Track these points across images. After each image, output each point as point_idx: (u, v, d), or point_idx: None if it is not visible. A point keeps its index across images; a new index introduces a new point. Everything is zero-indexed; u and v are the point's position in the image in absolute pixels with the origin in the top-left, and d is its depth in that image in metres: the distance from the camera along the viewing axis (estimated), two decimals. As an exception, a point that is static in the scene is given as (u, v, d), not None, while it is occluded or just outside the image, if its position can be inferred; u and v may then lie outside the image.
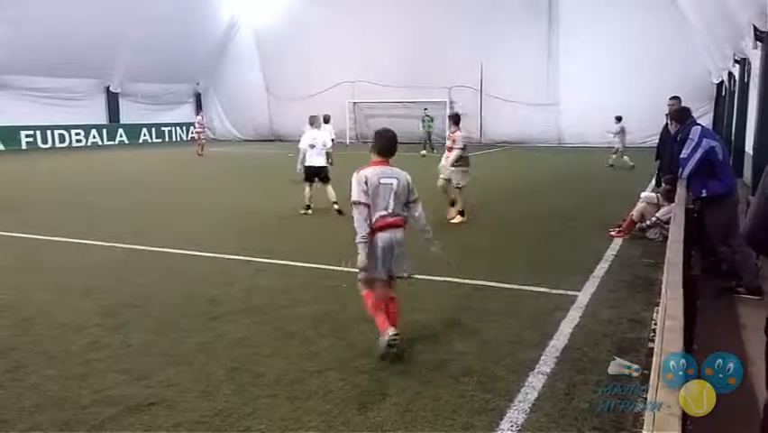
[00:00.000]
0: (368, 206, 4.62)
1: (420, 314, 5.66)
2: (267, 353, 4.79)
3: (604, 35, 26.32)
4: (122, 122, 33.49)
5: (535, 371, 4.38)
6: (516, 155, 25.32)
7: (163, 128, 35.35)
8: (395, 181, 4.73)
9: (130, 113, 33.58)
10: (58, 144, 29.98)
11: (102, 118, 32.89)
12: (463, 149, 10.20)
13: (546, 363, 4.52)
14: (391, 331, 4.58)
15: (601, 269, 7.26)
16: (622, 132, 18.99)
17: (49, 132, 29.60)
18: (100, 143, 31.93)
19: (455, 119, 10.64)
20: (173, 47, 31.49)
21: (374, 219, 4.65)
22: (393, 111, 32.25)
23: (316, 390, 4.14)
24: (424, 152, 25.32)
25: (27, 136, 28.16)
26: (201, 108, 35.39)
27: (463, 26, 29.33)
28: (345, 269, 7.19)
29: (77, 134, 30.98)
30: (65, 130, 30.45)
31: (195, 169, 20.93)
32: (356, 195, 4.63)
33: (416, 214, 4.90)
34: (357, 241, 4.61)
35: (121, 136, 33.22)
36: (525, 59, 28.77)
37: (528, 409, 3.83)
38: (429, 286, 6.63)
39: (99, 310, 5.85)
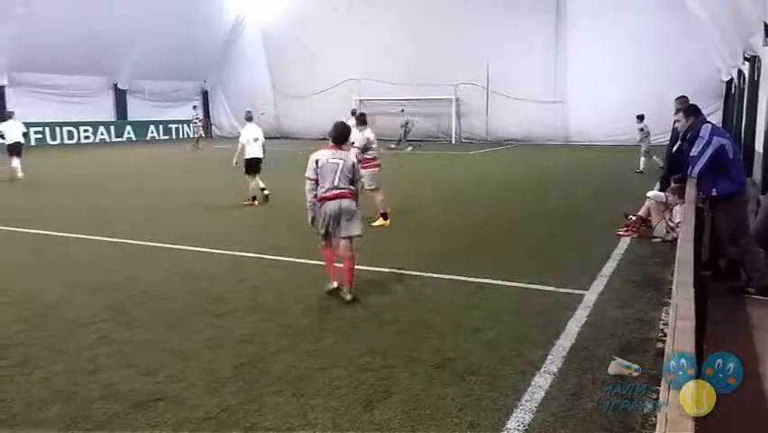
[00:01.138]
0: (315, 181, 6.01)
1: (426, 312, 5.65)
2: (273, 350, 4.79)
3: (612, 32, 26.14)
4: (129, 119, 33.58)
5: (542, 370, 4.37)
6: (522, 153, 25.24)
7: (170, 125, 35.43)
8: (341, 162, 6.03)
9: (137, 110, 33.67)
10: (66, 141, 30.08)
11: (110, 115, 32.98)
12: (363, 150, 9.63)
13: (553, 362, 4.50)
14: (333, 285, 6.20)
15: (609, 268, 7.22)
16: (644, 131, 17.55)
17: (58, 128, 29.71)
18: (108, 140, 32.03)
19: (359, 119, 10.33)
20: (180, 45, 31.56)
21: (322, 191, 5.97)
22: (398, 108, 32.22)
23: (322, 387, 4.14)
24: (393, 145, 27.04)
25: (36, 133, 28.25)
26: (205, 105, 35.37)
27: (469, 22, 29.21)
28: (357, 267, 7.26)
29: (85, 131, 31.09)
30: (74, 127, 30.56)
31: (202, 165, 20.96)
32: (308, 172, 6.06)
33: (356, 188, 6.22)
34: (307, 207, 6.10)
35: (128, 133, 33.30)
36: (533, 56, 28.62)
37: (535, 409, 3.82)
38: (435, 284, 6.63)
39: (107, 306, 5.88)
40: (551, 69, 28.94)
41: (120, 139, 32.75)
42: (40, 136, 28.71)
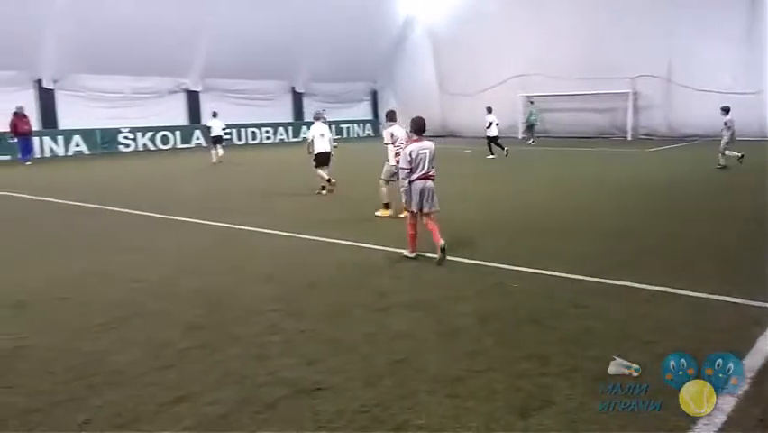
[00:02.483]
0: (411, 169, 7.30)
1: (590, 320, 5.32)
2: (430, 348, 4.79)
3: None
4: (305, 120, 35.74)
5: (724, 391, 3.91)
6: (707, 149, 22.96)
7: (342, 125, 37.12)
8: (428, 151, 7.41)
9: (313, 111, 35.73)
10: (250, 141, 32.74)
11: (288, 116, 35.36)
12: (393, 143, 10.40)
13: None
14: (411, 255, 7.55)
15: (810, 280, 6.32)
16: (727, 125, 16.74)
17: (243, 129, 32.44)
18: (286, 140, 34.33)
19: (388, 116, 11.19)
20: (352, 48, 33.03)
21: (415, 176, 7.29)
22: (569, 104, 30.92)
23: (478, 390, 4.05)
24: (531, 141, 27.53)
25: (225, 134, 31.03)
26: (374, 105, 36.35)
27: (649, 9, 27.17)
28: (513, 267, 7.08)
29: (266, 132, 33.64)
30: (256, 128, 33.20)
31: (373, 161, 21.64)
32: (402, 163, 7.47)
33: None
34: (402, 190, 7.54)
35: (304, 133, 35.38)
36: (722, 44, 25.93)
37: (713, 434, 3.43)
38: (601, 290, 6.24)
39: (277, 295, 6.27)
40: (743, 58, 26.01)
41: (297, 139, 34.95)
42: (228, 137, 31.51)
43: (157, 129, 28.90)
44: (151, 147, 28.66)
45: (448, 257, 7.34)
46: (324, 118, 14.14)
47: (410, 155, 7.33)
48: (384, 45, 36.15)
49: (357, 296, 6.22)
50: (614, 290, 6.20)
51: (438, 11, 35.21)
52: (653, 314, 5.46)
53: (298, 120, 35.57)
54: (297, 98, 35.55)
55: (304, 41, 31.21)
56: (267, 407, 3.89)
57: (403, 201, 7.61)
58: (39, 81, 25.37)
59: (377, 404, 3.89)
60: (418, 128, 7.57)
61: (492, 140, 21.91)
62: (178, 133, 29.83)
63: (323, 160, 13.43)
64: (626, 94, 29.02)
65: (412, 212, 7.46)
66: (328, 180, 13.40)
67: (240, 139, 32.21)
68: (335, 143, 14.00)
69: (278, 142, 33.63)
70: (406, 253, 7.63)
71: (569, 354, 4.58)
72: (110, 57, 25.22)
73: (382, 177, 10.76)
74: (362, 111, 39.38)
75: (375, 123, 39.66)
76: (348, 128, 37.38)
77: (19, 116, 22.48)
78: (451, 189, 14.78)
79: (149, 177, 18.43)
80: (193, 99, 30.69)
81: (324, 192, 13.37)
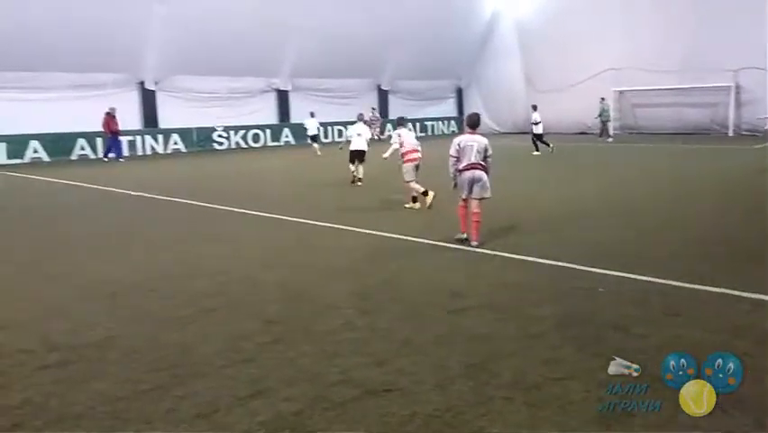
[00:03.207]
0: (457, 157, 8.14)
1: (683, 329, 5.00)
2: (507, 352, 4.65)
3: None
4: (390, 117, 35.91)
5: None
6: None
7: (426, 122, 37.01)
8: (475, 144, 8.11)
9: (397, 109, 35.80)
10: (337, 139, 33.21)
11: (373, 114, 35.66)
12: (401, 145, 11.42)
13: None
14: (463, 236, 8.27)
15: None
16: None
17: (329, 128, 32.98)
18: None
19: (398, 121, 12.52)
20: (437, 45, 32.82)
21: (462, 165, 8.10)
22: (665, 99, 29.35)
23: (555, 399, 3.89)
24: (610, 138, 27.16)
25: (377, 132, 31.61)
26: (458, 103, 36.07)
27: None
28: (599, 270, 6.78)
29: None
30: (342, 126, 33.65)
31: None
32: (451, 151, 8.23)
33: (487, 163, 8.24)
34: (451, 176, 8.34)
35: (388, 131, 35.59)
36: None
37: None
38: (697, 297, 5.85)
39: (353, 292, 6.29)
40: None
41: (381, 136, 35.19)
42: (381, 134, 32.16)
43: (248, 127, 29.92)
44: (243, 145, 29.68)
45: (526, 258, 7.14)
46: (366, 119, 15.88)
47: (458, 145, 8.18)
48: (470, 41, 35.70)
49: (431, 295, 6.14)
50: (710, 298, 5.80)
51: (526, 4, 34.39)
52: (759, 326, 5.05)
53: (383, 117, 35.78)
54: (383, 96, 35.77)
55: (390, 39, 31.31)
56: (336, 405, 3.89)
57: (453, 187, 8.46)
58: (142, 83, 26.83)
59: (448, 409, 3.80)
60: (472, 123, 8.46)
61: (538, 137, 22.56)
62: (268, 131, 30.75)
63: (355, 156, 14.86)
64: (728, 88, 27.23)
65: (463, 198, 8.25)
66: (359, 179, 14.84)
67: (326, 137, 32.76)
68: (340, 146, 16.65)
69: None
70: (458, 235, 8.36)
71: (657, 364, 4.30)
72: (207, 59, 26.32)
73: (405, 180, 11.46)
74: (448, 108, 39.10)
75: (459, 120, 39.29)
76: (432, 125, 37.23)
77: (110, 116, 23.85)
78: (530, 186, 14.51)
79: (239, 173, 19.10)
80: (283, 98, 31.54)
81: (359, 184, 14.72)
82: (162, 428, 3.73)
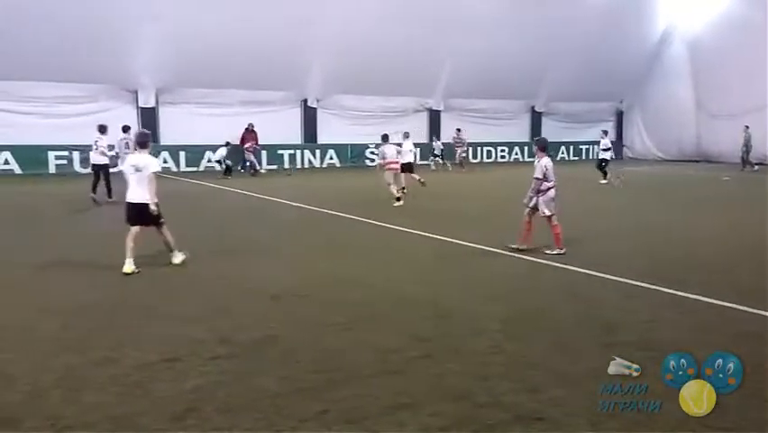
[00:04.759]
0: (542, 180, 9.21)
1: None
2: (660, 395, 4.36)
3: None
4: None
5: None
6: None
7: (581, 146, 35.74)
8: (552, 164, 9.28)
9: (550, 131, 34.91)
10: (485, 159, 33.12)
11: (525, 136, 35.08)
12: (540, 179, 9.57)
13: None
14: (520, 246, 9.37)
15: None
16: None
17: (479, 148, 32.95)
18: (521, 159, 34.06)
19: (382, 138, 16.17)
20: (599, 67, 31.55)
21: (549, 184, 9.20)
22: None
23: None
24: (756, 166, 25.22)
25: (462, 153, 31.85)
26: (618, 126, 34.25)
27: None
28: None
29: (501, 151, 33.76)
30: (492, 147, 33.51)
31: (608, 189, 20.58)
32: (537, 173, 9.28)
33: None
34: (530, 195, 9.39)
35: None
36: None
37: None
38: None
39: (501, 316, 6.25)
40: None
41: (532, 159, 34.42)
42: (464, 155, 32.24)
43: (398, 145, 30.64)
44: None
45: (688, 295, 6.71)
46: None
47: (545, 167, 9.23)
48: (637, 61, 33.71)
49: (583, 327, 5.94)
50: None
51: (700, 24, 31.98)
52: None
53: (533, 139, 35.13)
54: (536, 118, 35.09)
55: (549, 60, 30.65)
56: (485, 428, 3.89)
57: (526, 202, 9.44)
58: (305, 101, 28.65)
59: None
60: (545, 147, 9.64)
61: (605, 163, 21.94)
62: (418, 150, 31.29)
63: (406, 168, 16.90)
64: None
65: (551, 215, 9.24)
66: (402, 188, 16.42)
67: (475, 157, 32.74)
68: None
69: (512, 162, 33.52)
70: (514, 245, 9.44)
71: None
72: (364, 79, 27.48)
73: (386, 182, 15.40)
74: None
75: (618, 144, 37.40)
76: (588, 149, 35.78)
77: (249, 131, 25.52)
78: (700, 219, 13.45)
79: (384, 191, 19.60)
80: (434, 118, 32.02)
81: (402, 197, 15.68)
82: (315, 428, 3.95)
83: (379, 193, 15.97)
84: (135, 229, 8.21)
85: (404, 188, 16.29)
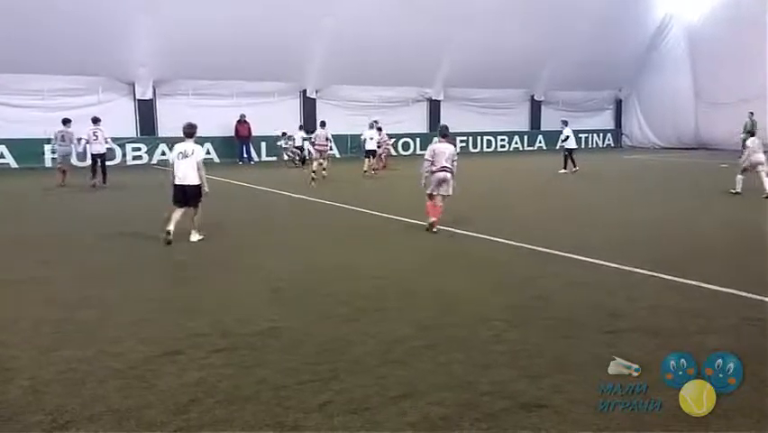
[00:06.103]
0: (432, 161, 10.00)
1: None
2: (666, 395, 4.35)
3: None
4: (542, 129, 35.05)
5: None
6: None
7: (581, 135, 35.62)
8: (447, 151, 10.07)
9: (550, 120, 34.87)
10: (485, 149, 33.06)
11: (524, 125, 35.02)
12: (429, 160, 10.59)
13: None
14: (432, 220, 10.09)
15: None
16: None
17: (479, 138, 32.89)
18: (521, 149, 34.03)
19: (371, 125, 19.60)
20: (598, 56, 31.47)
21: (435, 168, 9.97)
22: None
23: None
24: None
25: (461, 141, 31.76)
26: (617, 114, 34.21)
27: None
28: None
29: (501, 140, 33.71)
30: (492, 136, 33.43)
31: (604, 176, 20.55)
32: (426, 155, 10.18)
33: (454, 167, 10.12)
34: (423, 177, 10.22)
35: (539, 142, 34.79)
36: None
37: None
38: None
39: (504, 305, 6.25)
40: None
41: (531, 148, 34.43)
42: (463, 144, 32.20)
43: (399, 136, 30.60)
44: (393, 153, 30.32)
45: (689, 281, 6.64)
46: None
47: (433, 151, 10.10)
48: (633, 52, 33.76)
49: (586, 314, 5.93)
50: None
51: (699, 10, 31.85)
52: None
53: (535, 129, 35.03)
54: (536, 107, 35.02)
55: (548, 49, 30.59)
56: (487, 415, 3.89)
57: (422, 185, 10.28)
58: (303, 92, 28.55)
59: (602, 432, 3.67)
60: (443, 133, 10.62)
61: (569, 153, 21.82)
62: (418, 140, 31.26)
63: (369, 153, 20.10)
64: None
65: (429, 194, 10.15)
66: (366, 170, 20.02)
67: (475, 147, 32.68)
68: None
69: (512, 151, 33.47)
70: (429, 220, 10.14)
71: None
72: (363, 70, 27.39)
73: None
74: (604, 120, 37.49)
75: (617, 132, 37.40)
76: (587, 137, 35.75)
77: (241, 122, 25.70)
78: (700, 207, 13.43)
79: (392, 183, 19.61)
80: (434, 108, 31.95)
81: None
82: (318, 419, 3.94)
83: (377, 183, 15.88)
84: (180, 210, 9.35)
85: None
